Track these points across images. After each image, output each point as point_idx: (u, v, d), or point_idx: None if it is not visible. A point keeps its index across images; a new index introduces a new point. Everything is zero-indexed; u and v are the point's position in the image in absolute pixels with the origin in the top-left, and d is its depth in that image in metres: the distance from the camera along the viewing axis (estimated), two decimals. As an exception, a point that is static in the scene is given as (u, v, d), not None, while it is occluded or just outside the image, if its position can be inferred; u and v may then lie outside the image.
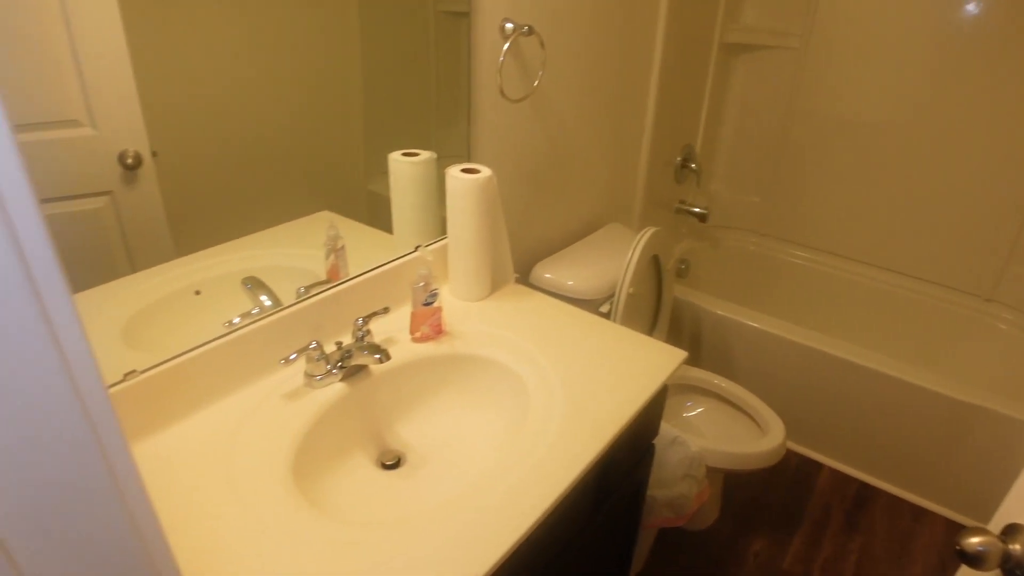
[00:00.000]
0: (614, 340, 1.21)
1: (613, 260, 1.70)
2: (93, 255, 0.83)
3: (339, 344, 1.07)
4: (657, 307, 1.92)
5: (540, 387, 1.07)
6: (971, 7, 1.99)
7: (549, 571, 1.00)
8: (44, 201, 0.77)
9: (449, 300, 1.31)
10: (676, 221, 2.55)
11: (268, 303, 1.06)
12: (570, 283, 1.60)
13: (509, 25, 1.33)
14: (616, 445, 1.03)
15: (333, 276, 1.16)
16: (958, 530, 1.94)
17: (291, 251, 1.08)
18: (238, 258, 1.00)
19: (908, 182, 2.27)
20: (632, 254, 1.62)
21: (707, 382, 1.88)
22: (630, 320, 1.68)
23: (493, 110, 1.39)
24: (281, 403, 1.00)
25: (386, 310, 1.19)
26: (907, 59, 2.14)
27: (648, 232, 1.65)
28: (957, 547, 0.68)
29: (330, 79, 1.04)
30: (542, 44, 1.43)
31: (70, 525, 0.39)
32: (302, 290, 1.11)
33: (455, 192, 1.22)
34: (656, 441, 1.30)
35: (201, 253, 0.95)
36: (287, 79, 0.98)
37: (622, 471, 1.16)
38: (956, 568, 1.38)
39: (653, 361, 1.15)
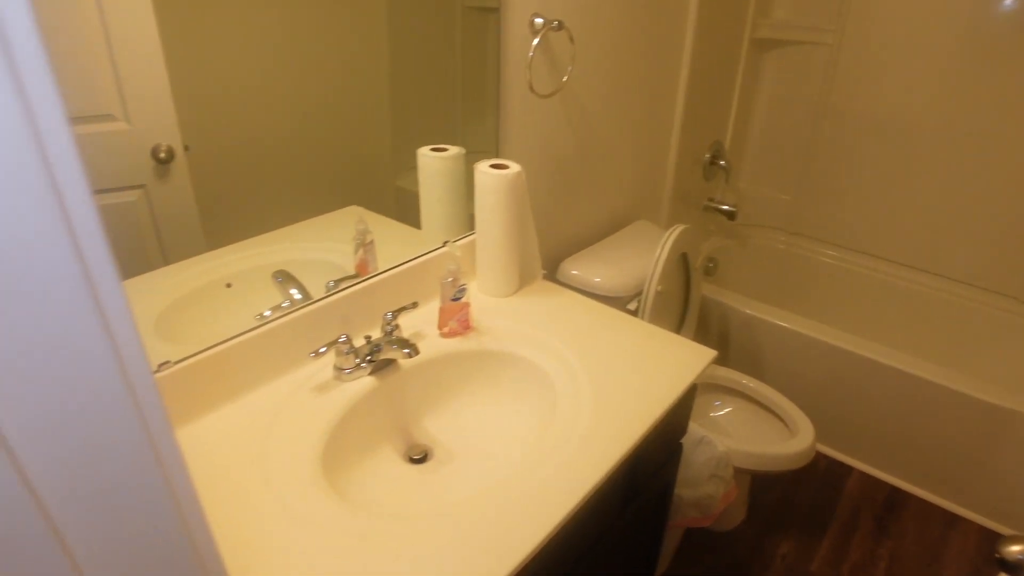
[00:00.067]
0: (643, 338, 1.19)
1: (641, 257, 1.69)
2: (127, 248, 0.85)
3: (368, 338, 1.07)
4: (685, 305, 1.90)
5: (568, 384, 1.07)
6: (1010, 1, 1.93)
7: (577, 568, 0.99)
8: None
9: (477, 296, 1.31)
10: (704, 219, 2.51)
11: (298, 296, 1.07)
12: (597, 280, 1.59)
13: (539, 20, 1.32)
14: (644, 443, 1.01)
15: (362, 270, 1.16)
16: (992, 538, 1.90)
17: (320, 245, 1.09)
18: (268, 252, 1.01)
19: (943, 181, 2.22)
20: (661, 251, 1.60)
21: (735, 382, 1.86)
22: (658, 318, 1.66)
23: (522, 106, 1.38)
24: (310, 396, 1.01)
25: (415, 305, 1.19)
26: (944, 54, 2.08)
27: (677, 229, 1.63)
28: (997, 555, 0.66)
29: (359, 74, 1.05)
30: (572, 39, 1.42)
31: (123, 515, 0.40)
32: (331, 284, 1.12)
33: (484, 188, 1.21)
34: (683, 440, 1.29)
35: (232, 246, 0.96)
36: (316, 75, 0.98)
37: (650, 470, 1.15)
38: (992, 576, 1.35)
39: (682, 360, 1.14)
